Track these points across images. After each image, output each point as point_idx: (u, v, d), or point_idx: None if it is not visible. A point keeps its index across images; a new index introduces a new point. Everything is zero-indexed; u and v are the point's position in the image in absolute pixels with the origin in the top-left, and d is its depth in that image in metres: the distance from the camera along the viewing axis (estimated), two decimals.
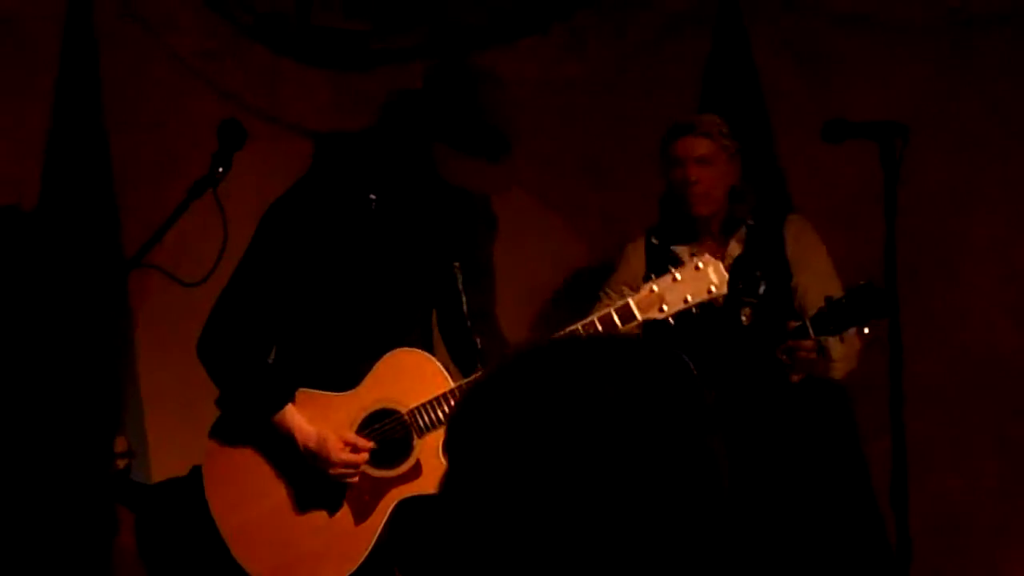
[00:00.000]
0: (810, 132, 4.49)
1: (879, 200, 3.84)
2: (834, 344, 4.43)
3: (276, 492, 3.91)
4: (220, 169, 3.79)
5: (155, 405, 5.55)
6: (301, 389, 3.90)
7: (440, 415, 3.82)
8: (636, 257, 4.85)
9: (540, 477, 1.47)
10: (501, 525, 1.49)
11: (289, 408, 3.87)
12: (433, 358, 3.93)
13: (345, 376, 3.89)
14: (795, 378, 4.38)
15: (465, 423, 1.57)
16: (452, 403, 3.79)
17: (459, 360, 4.09)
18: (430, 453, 3.85)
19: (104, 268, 5.37)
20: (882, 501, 4.46)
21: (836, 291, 4.32)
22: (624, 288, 4.74)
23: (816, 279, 4.59)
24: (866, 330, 4.10)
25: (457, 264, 4.03)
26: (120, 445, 5.34)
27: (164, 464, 5.34)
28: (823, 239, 4.75)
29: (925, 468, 4.87)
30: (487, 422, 1.53)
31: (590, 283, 5.19)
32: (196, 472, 4.02)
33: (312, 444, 3.84)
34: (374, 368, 3.88)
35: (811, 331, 4.21)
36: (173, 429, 5.38)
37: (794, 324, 4.25)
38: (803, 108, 5.40)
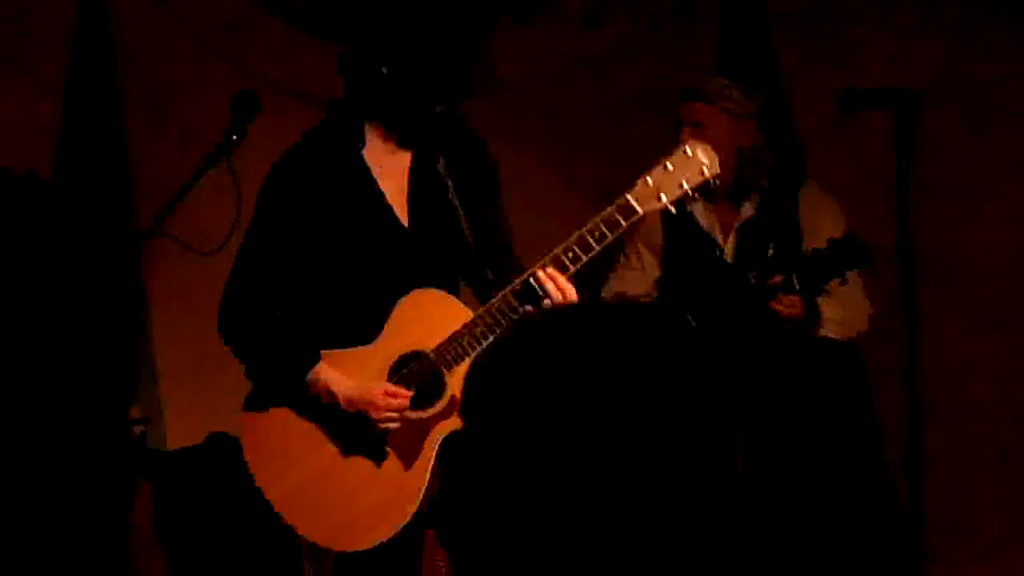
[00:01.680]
0: (826, 101, 4.50)
1: (893, 167, 3.83)
2: (826, 303, 4.45)
3: (319, 453, 3.91)
4: (234, 138, 3.80)
5: (170, 374, 5.57)
6: (323, 351, 3.90)
7: (465, 345, 3.81)
8: (653, 218, 4.84)
9: (553, 446, 1.47)
10: (515, 495, 1.49)
11: (321, 365, 3.86)
12: (447, 294, 3.92)
13: (363, 330, 3.89)
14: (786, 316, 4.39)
15: (479, 389, 1.56)
16: (475, 332, 3.78)
17: (475, 287, 4.08)
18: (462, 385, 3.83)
19: (118, 238, 5.38)
20: (895, 468, 4.47)
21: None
22: (641, 248, 4.76)
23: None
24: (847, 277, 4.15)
25: (451, 185, 4.00)
26: (134, 413, 5.36)
27: (180, 432, 5.36)
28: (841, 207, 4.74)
29: (938, 436, 4.88)
30: (501, 391, 1.52)
31: (612, 262, 5.18)
32: (212, 439, 4.03)
33: (353, 395, 3.84)
34: (391, 316, 3.88)
35: (796, 284, 4.22)
36: (188, 397, 5.39)
37: (780, 277, 4.26)
38: (819, 78, 5.39)
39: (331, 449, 3.91)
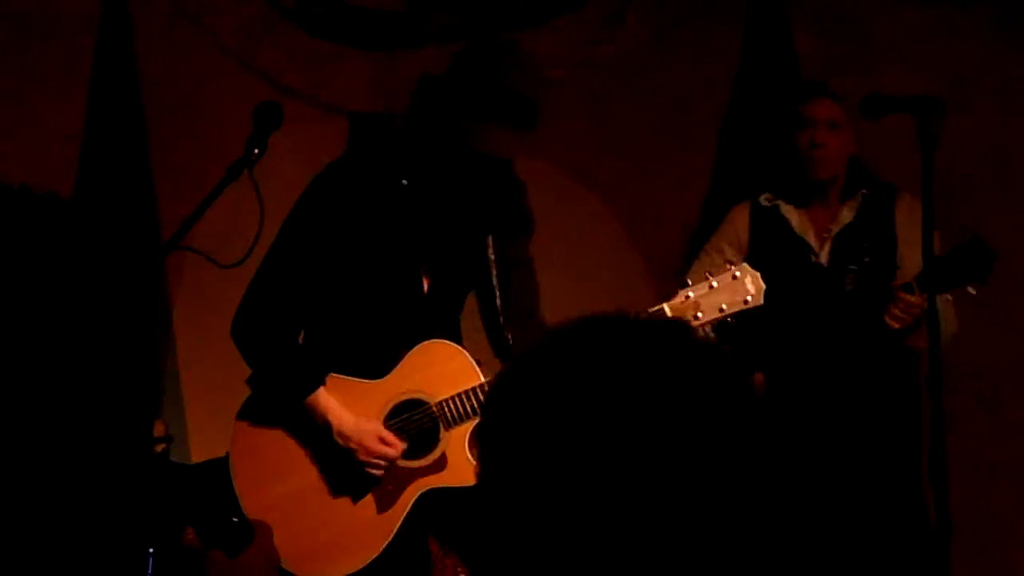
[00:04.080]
0: (848, 104, 4.48)
1: (916, 170, 3.82)
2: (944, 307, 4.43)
3: (301, 474, 3.92)
4: (256, 151, 3.80)
5: (194, 387, 5.58)
6: (331, 374, 3.91)
7: (469, 408, 3.81)
8: (740, 218, 4.83)
9: (571, 462, 1.47)
10: (531, 513, 1.49)
11: (322, 391, 3.87)
12: (463, 351, 3.92)
13: (375, 363, 3.90)
14: (895, 324, 4.36)
15: (499, 404, 1.56)
16: (481, 397, 3.78)
17: (496, 347, 4.10)
18: (457, 446, 3.85)
19: (142, 251, 5.40)
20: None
21: None
22: (724, 246, 4.75)
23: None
24: (971, 290, 4.11)
25: (490, 237, 4.02)
26: (158, 429, 5.36)
27: (203, 446, 5.37)
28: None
29: (964, 443, 4.86)
30: (520, 405, 1.52)
31: (630, 263, 5.18)
32: None
33: (347, 430, 3.85)
34: (405, 358, 3.88)
35: (916, 289, 4.20)
36: (212, 411, 5.40)
37: (900, 282, 4.25)
38: (841, 80, 5.37)
39: (314, 475, 3.91)
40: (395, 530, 3.85)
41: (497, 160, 3.91)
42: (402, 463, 3.86)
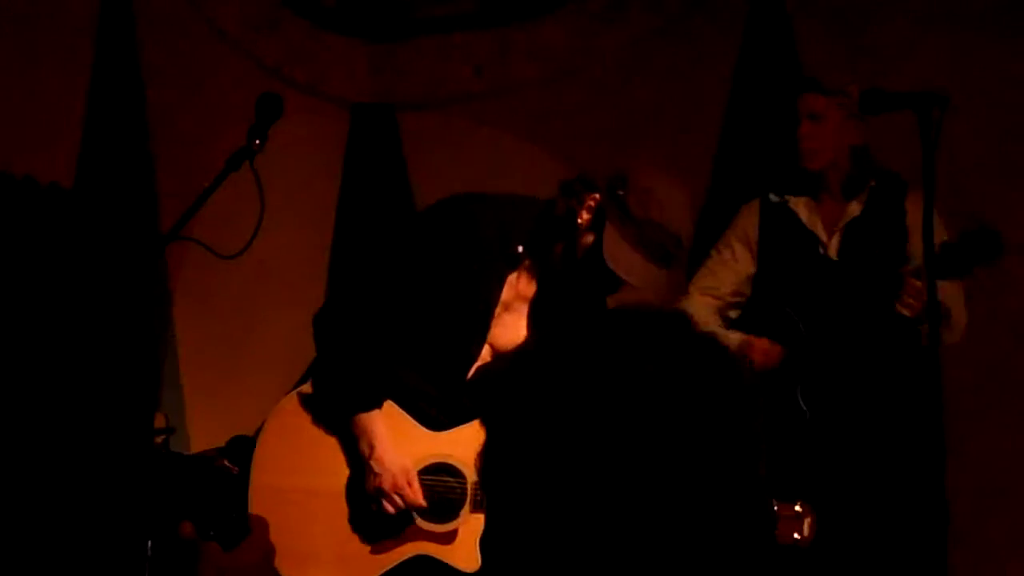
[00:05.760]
0: (846, 97, 4.49)
1: (917, 168, 3.82)
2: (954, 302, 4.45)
3: (322, 476, 3.89)
4: (257, 141, 3.80)
5: (193, 376, 5.58)
6: (390, 401, 3.88)
7: None
8: (749, 215, 4.84)
9: (576, 453, 1.48)
10: (535, 506, 1.49)
11: (376, 414, 3.84)
12: None
13: (435, 414, 3.88)
14: (907, 312, 4.36)
15: (507, 393, 1.57)
16: None
17: None
18: (470, 530, 3.83)
19: (142, 241, 5.40)
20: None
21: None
22: (734, 243, 4.75)
23: None
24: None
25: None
26: (159, 421, 5.37)
27: (202, 437, 5.37)
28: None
29: (964, 435, 4.86)
30: (522, 397, 1.53)
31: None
32: (234, 443, 4.02)
33: (386, 460, 3.82)
34: (464, 426, 3.85)
35: (924, 276, 4.20)
36: (211, 401, 5.41)
37: (909, 268, 4.25)
38: (842, 76, 5.36)
39: (333, 483, 3.88)
40: (378, 574, 3.84)
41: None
42: (416, 517, 3.85)
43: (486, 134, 5.79)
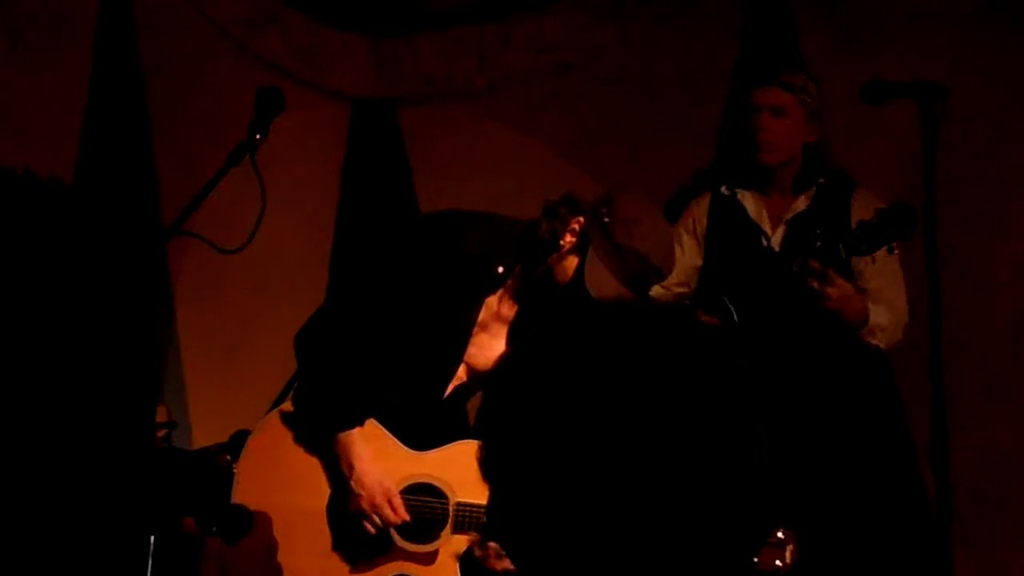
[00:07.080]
0: (850, 92, 4.48)
1: (918, 161, 3.81)
2: (873, 310, 4.43)
3: (302, 495, 3.89)
4: (258, 136, 3.80)
5: (195, 371, 5.58)
6: (372, 420, 3.87)
7: (481, 525, 3.78)
8: (698, 207, 4.86)
9: (575, 450, 1.48)
10: (533, 502, 1.49)
11: (357, 432, 3.83)
12: None
13: (419, 434, 3.87)
14: (829, 304, 4.32)
15: (504, 390, 1.56)
16: None
17: None
18: (450, 551, 3.83)
19: (143, 236, 5.39)
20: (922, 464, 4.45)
21: (894, 271, 4.37)
22: (682, 233, 4.76)
23: None
24: (896, 251, 4.10)
25: None
26: (161, 415, 5.37)
27: (205, 432, 5.36)
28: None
29: (965, 429, 4.86)
30: (525, 390, 1.53)
31: None
32: (237, 437, 4.02)
33: (367, 481, 3.81)
34: (447, 447, 3.85)
35: (843, 252, 4.19)
36: (214, 396, 5.40)
37: (820, 242, 4.24)
38: (842, 67, 5.36)
39: (314, 502, 3.88)
40: None
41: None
42: (395, 536, 3.84)
43: (488, 128, 5.78)
